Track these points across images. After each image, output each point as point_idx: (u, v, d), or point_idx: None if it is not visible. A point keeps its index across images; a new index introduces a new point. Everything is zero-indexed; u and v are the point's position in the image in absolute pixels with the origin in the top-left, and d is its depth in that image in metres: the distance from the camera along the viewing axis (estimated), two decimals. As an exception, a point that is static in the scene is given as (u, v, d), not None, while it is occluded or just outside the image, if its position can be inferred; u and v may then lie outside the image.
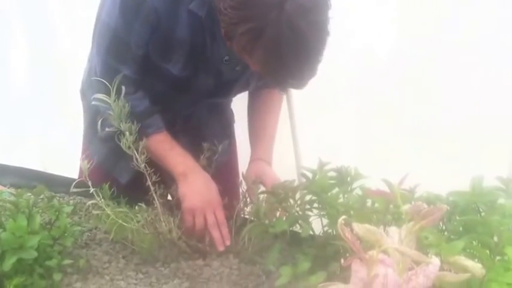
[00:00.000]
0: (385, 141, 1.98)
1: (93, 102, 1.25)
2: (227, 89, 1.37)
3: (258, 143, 1.44)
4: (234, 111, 1.62)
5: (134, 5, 1.18)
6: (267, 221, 1.08)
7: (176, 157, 1.27)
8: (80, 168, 1.45)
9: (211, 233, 1.18)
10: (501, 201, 0.91)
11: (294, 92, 1.92)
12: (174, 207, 1.20)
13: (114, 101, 1.15)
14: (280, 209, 1.10)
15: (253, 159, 1.40)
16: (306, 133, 2.05)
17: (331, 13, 1.03)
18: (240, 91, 1.42)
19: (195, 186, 1.23)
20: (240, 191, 1.27)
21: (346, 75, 1.97)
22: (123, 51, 1.24)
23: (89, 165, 1.11)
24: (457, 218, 0.92)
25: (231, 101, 1.62)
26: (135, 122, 1.16)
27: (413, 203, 0.94)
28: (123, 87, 1.14)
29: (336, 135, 2.06)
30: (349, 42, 1.90)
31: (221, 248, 1.18)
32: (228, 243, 1.18)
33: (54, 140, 2.33)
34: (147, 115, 1.27)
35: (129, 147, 1.12)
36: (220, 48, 1.22)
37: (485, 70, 1.78)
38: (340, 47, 1.92)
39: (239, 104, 1.56)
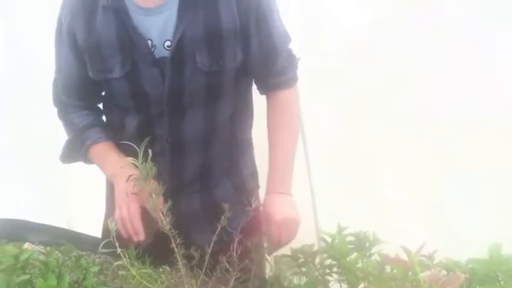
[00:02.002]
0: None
1: None
2: (179, 80, 1.27)
3: (269, 173, 1.35)
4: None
5: (57, 34, 1.35)
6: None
7: (107, 165, 1.35)
8: (104, 226, 1.50)
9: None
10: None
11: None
12: (196, 268, 1.22)
13: (142, 163, 1.20)
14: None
15: (265, 194, 1.32)
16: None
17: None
18: (196, 83, 1.28)
19: (116, 190, 1.29)
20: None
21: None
22: (58, 85, 1.41)
23: (116, 227, 1.15)
24: (477, 287, 0.93)
25: (248, 154, 1.48)
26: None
27: (432, 269, 0.96)
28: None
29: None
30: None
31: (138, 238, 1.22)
32: (140, 238, 1.23)
33: (76, 194, 2.37)
34: (87, 128, 1.37)
35: (155, 209, 1.16)
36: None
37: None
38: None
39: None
